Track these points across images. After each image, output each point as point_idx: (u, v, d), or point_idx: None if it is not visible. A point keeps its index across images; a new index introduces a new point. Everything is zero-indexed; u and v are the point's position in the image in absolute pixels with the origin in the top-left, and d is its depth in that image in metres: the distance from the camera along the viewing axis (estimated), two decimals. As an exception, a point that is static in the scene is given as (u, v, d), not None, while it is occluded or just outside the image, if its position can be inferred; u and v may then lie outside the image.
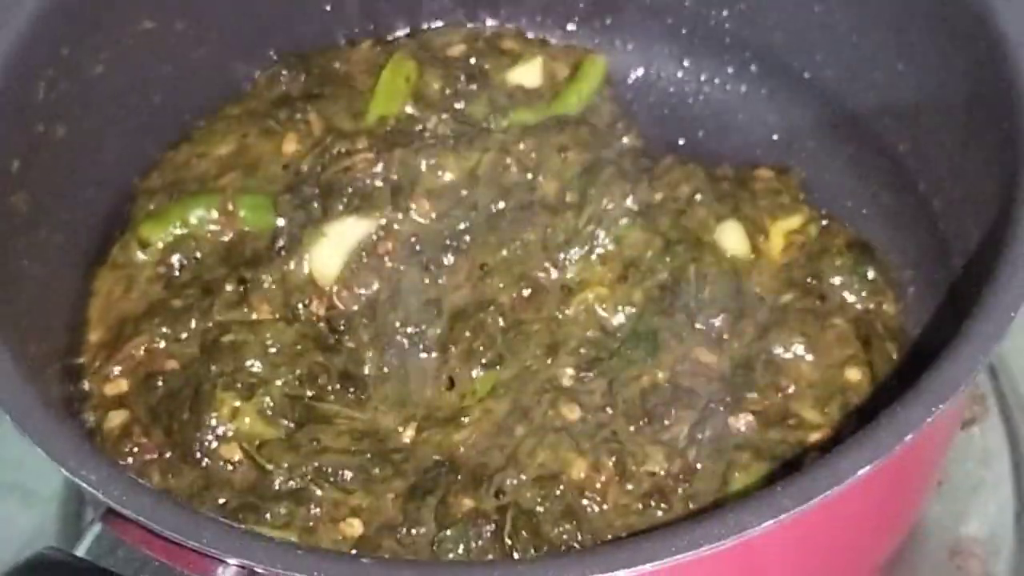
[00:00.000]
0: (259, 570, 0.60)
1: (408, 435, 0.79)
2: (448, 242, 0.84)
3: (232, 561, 0.60)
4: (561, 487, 0.75)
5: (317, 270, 0.84)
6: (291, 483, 0.76)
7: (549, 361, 0.81)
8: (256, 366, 0.80)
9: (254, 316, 0.82)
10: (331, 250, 0.84)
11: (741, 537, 0.59)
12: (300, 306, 0.83)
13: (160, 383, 0.80)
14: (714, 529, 0.60)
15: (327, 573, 0.59)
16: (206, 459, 0.77)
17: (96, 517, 0.63)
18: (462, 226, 0.85)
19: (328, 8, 0.96)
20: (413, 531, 0.74)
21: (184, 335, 0.82)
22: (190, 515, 0.61)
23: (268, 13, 0.94)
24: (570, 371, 0.80)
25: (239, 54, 0.93)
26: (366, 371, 0.81)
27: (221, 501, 0.76)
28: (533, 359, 0.81)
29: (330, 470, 0.76)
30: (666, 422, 0.78)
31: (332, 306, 0.83)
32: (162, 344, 0.81)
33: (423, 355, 0.82)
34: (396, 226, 0.84)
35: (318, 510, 0.75)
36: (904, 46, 0.84)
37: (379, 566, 0.60)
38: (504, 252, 0.84)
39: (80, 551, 0.61)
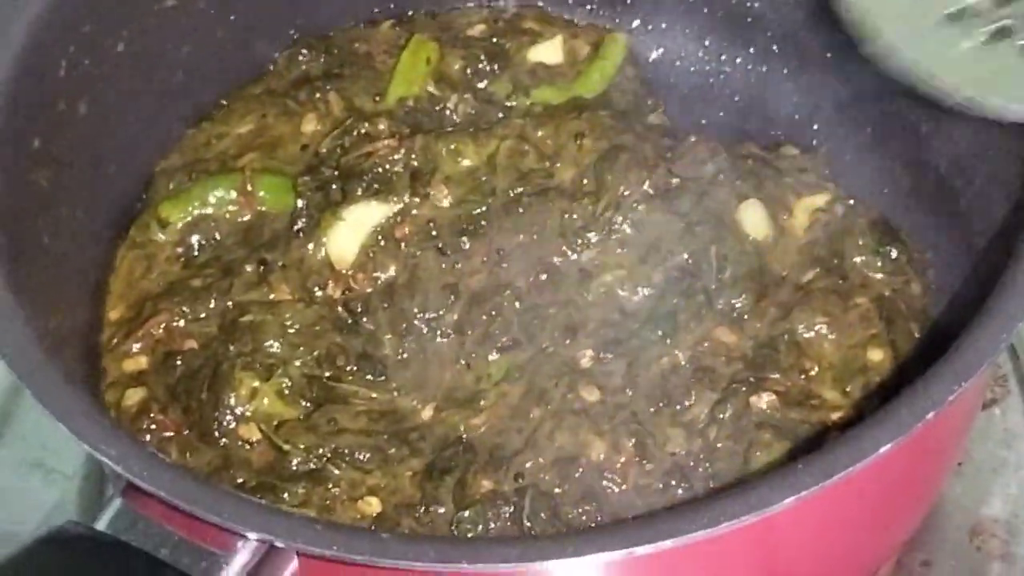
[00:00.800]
0: (279, 544, 0.60)
1: (426, 414, 0.79)
2: (465, 227, 0.84)
3: (252, 536, 0.60)
4: (580, 469, 0.75)
5: (335, 253, 0.84)
6: (309, 464, 0.76)
7: (567, 342, 0.80)
8: (275, 346, 0.80)
9: (272, 296, 0.82)
10: (349, 234, 0.84)
11: (762, 514, 0.59)
12: (317, 288, 0.83)
13: (179, 362, 0.80)
14: (735, 506, 0.59)
15: (346, 548, 0.59)
16: (224, 439, 0.77)
17: (116, 492, 0.63)
18: (479, 211, 0.84)
19: (349, -12, 0.96)
20: (431, 510, 0.74)
21: (203, 315, 0.82)
22: (210, 490, 0.61)
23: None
24: (589, 352, 0.80)
25: (260, 34, 0.93)
26: (385, 353, 0.81)
27: (239, 480, 0.76)
28: (550, 342, 0.81)
29: (347, 451, 0.76)
30: (686, 403, 0.77)
31: (349, 289, 0.83)
32: (181, 323, 0.82)
33: (440, 339, 0.81)
34: (414, 211, 0.84)
35: (336, 489, 0.75)
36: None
37: (398, 541, 0.60)
38: (521, 237, 0.84)
39: (100, 525, 0.61)
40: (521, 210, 0.84)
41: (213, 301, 0.82)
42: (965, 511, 0.85)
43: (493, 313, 0.81)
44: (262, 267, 0.83)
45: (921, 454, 0.71)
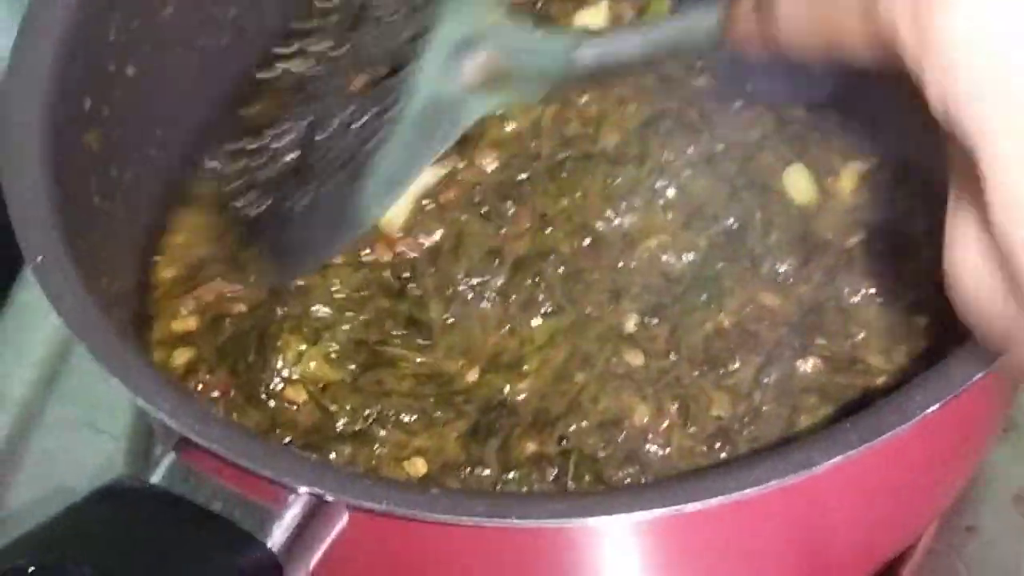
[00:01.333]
0: (329, 499, 0.61)
1: (471, 377, 0.80)
2: (509, 191, 0.84)
3: (303, 490, 0.61)
4: (624, 432, 0.75)
5: (384, 217, 0.83)
6: (355, 425, 0.77)
7: (611, 308, 0.81)
8: (322, 310, 0.80)
9: None
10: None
11: (808, 473, 0.59)
12: (366, 252, 0.83)
13: (227, 324, 0.81)
14: (780, 465, 0.60)
15: (396, 502, 0.60)
16: (271, 400, 0.78)
17: (169, 447, 0.63)
18: (523, 176, 0.85)
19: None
20: (476, 471, 0.75)
21: (253, 278, 0.82)
22: (262, 444, 0.62)
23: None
24: (634, 318, 0.80)
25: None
26: (431, 317, 0.81)
27: (286, 440, 0.77)
28: (594, 307, 0.81)
29: (392, 413, 0.77)
30: (731, 367, 0.78)
31: (396, 253, 0.83)
32: (232, 287, 0.82)
33: (485, 304, 0.82)
34: (459, 176, 0.85)
35: (381, 450, 0.76)
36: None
37: (447, 497, 0.61)
38: (564, 202, 0.84)
39: (154, 479, 0.62)
40: (565, 175, 0.85)
41: None
42: (1010, 477, 0.85)
43: (537, 279, 0.81)
44: None
45: (968, 417, 0.71)
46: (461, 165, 0.85)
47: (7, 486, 0.89)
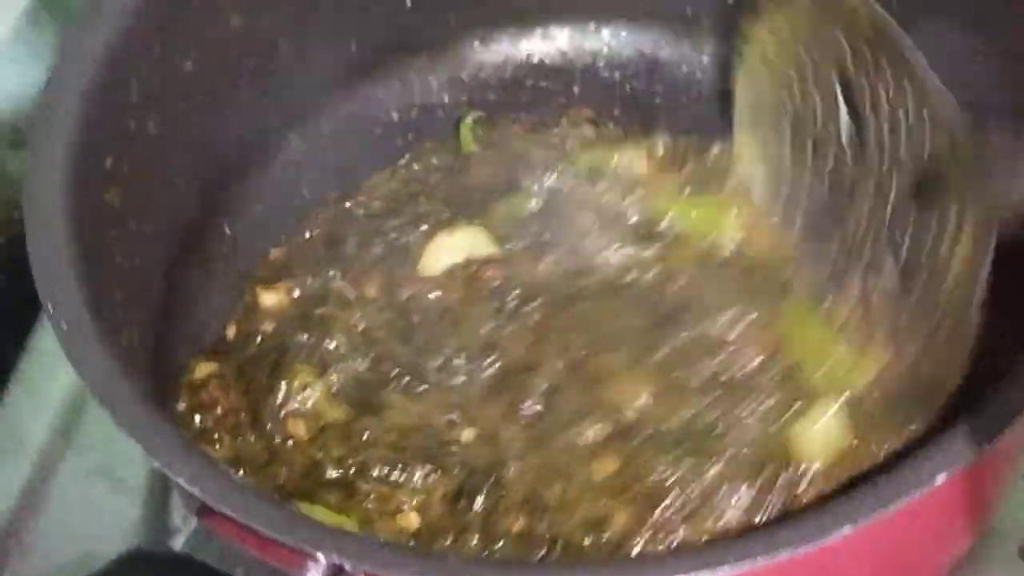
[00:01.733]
0: (347, 567, 0.62)
1: (466, 436, 0.79)
2: (533, 298, 0.83)
3: (322, 558, 0.62)
4: (609, 532, 0.74)
5: (424, 261, 0.85)
6: (337, 474, 0.78)
7: (585, 424, 0.78)
8: (337, 344, 0.81)
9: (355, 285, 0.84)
10: (444, 250, 0.85)
11: (821, 542, 0.60)
12: (396, 288, 0.84)
13: (253, 341, 0.83)
14: (791, 535, 0.61)
15: (414, 571, 0.61)
16: (272, 427, 0.79)
17: (191, 511, 0.64)
18: (558, 290, 0.83)
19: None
20: (462, 537, 0.75)
21: (311, 280, 0.84)
22: (282, 512, 0.63)
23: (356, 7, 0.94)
24: (608, 431, 0.78)
25: (325, 50, 0.94)
26: (432, 366, 0.81)
27: (280, 481, 0.78)
28: (571, 418, 0.79)
29: (374, 466, 0.77)
30: (721, 492, 0.74)
31: (413, 293, 0.84)
32: (296, 292, 0.84)
33: (476, 380, 0.81)
34: (511, 261, 0.84)
35: (367, 503, 0.76)
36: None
37: (464, 566, 0.62)
38: (579, 338, 0.81)
39: (177, 546, 0.63)
40: (600, 303, 0.82)
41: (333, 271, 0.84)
42: (1015, 528, 0.85)
43: (520, 388, 0.80)
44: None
45: (979, 478, 0.72)
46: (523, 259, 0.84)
47: (27, 532, 0.90)
